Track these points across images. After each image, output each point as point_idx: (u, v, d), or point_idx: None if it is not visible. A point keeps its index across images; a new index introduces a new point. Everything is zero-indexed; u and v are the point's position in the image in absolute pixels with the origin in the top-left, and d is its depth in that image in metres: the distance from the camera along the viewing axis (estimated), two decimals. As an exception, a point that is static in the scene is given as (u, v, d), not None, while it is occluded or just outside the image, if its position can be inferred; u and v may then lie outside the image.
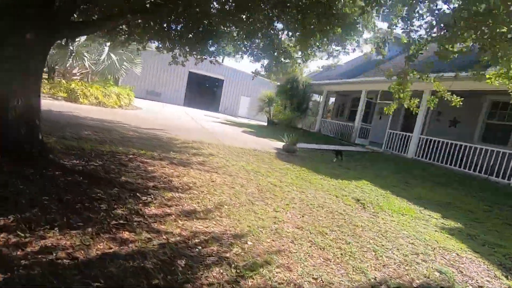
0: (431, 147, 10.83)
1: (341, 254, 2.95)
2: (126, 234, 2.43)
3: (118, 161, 4.57)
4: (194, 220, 3.02)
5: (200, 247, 2.49)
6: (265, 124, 21.11)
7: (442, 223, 4.71)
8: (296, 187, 5.23)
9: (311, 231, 3.36)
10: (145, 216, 2.83)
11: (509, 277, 3.16)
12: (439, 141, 10.62)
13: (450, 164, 10.04)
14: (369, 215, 4.43)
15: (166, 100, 26.56)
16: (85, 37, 11.90)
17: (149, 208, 3.04)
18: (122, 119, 9.46)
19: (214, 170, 5.21)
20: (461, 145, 9.97)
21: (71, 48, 11.71)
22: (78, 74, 13.44)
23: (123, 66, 14.17)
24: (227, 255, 2.47)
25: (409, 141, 11.53)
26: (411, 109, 5.35)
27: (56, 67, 13.14)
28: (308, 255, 2.79)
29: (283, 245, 2.89)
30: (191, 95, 32.55)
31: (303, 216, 3.83)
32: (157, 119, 11.78)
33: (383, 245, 3.37)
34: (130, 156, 4.97)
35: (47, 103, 9.67)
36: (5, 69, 3.30)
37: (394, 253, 3.21)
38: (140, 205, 3.07)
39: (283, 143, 10.04)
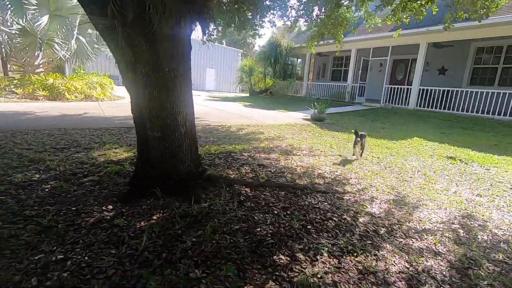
0: (428, 96, 11.77)
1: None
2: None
3: (232, 158, 4.09)
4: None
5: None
6: (247, 95, 20.51)
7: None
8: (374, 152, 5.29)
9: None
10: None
11: None
12: (435, 90, 11.56)
13: (448, 109, 11.13)
14: (483, 170, 4.73)
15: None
16: (47, 21, 9.75)
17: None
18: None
19: (302, 153, 4.95)
20: (452, 91, 11.08)
21: (39, 36, 9.41)
22: (41, 65, 11.03)
23: (94, 50, 12.03)
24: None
25: (409, 93, 12.30)
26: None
27: (14, 59, 10.57)
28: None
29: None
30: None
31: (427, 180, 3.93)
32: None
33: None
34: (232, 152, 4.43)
35: (31, 106, 7.91)
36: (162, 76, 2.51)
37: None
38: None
39: (309, 113, 9.95)
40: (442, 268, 1.99)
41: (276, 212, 2.53)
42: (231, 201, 2.64)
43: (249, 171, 3.59)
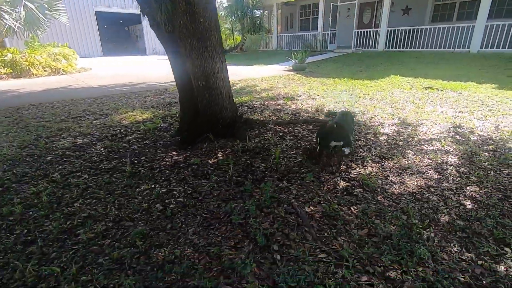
0: (395, 37, 12.42)
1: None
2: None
3: (247, 107, 4.38)
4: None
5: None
6: (217, 54, 19.86)
7: (494, 87, 6.13)
8: (353, 89, 5.86)
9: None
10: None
11: None
12: (401, 30, 12.19)
13: (414, 47, 11.95)
14: (457, 94, 5.47)
15: (82, 54, 21.86)
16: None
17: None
18: (127, 80, 7.92)
19: (303, 98, 5.36)
20: (416, 29, 11.83)
21: None
22: (-12, 39, 9.76)
23: (44, 16, 10.78)
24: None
25: (378, 36, 12.83)
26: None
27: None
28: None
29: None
30: (107, 41, 27.33)
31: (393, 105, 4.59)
32: (154, 74, 10.10)
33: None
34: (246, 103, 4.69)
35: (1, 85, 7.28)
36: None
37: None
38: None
39: (288, 64, 10.17)
40: (454, 159, 2.58)
41: (314, 140, 2.95)
42: (275, 136, 3.00)
43: (270, 114, 3.92)
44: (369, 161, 2.49)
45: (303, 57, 9.54)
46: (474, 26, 10.16)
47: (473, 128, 3.45)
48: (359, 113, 4.14)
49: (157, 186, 2.09)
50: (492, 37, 10.05)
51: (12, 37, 10.74)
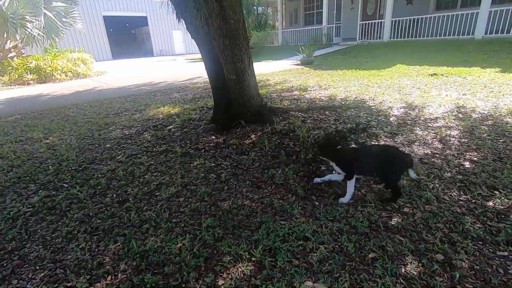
0: (399, 27, 12.64)
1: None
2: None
3: (266, 98, 4.79)
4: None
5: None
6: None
7: (497, 71, 6.42)
8: (362, 79, 6.21)
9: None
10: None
11: None
12: (406, 20, 12.41)
13: (419, 36, 12.16)
14: (461, 79, 5.80)
15: (94, 58, 22.54)
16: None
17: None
18: (146, 80, 8.41)
19: (315, 89, 5.75)
20: (420, 18, 12.04)
21: (11, 15, 8.76)
22: (12, 49, 10.36)
23: (62, 24, 11.35)
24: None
25: (382, 27, 13.07)
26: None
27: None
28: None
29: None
30: (117, 45, 28.08)
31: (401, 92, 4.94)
32: (168, 74, 10.59)
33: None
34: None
35: (32, 90, 7.85)
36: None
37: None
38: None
39: (295, 59, 10.52)
40: (456, 132, 2.96)
41: (332, 122, 3.36)
42: (297, 120, 3.42)
43: (289, 103, 4.34)
44: (382, 136, 2.89)
45: (311, 51, 9.89)
46: (478, 13, 10.34)
47: (475, 108, 3.80)
48: (369, 100, 4.53)
49: (206, 161, 2.54)
50: (496, 22, 10.23)
51: (32, 45, 11.37)
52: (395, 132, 3.01)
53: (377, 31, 13.44)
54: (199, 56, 21.51)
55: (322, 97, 4.79)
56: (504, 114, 3.46)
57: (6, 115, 4.73)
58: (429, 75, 6.46)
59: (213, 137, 3.07)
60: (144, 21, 25.74)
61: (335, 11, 14.62)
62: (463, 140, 2.77)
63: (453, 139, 2.81)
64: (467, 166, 2.25)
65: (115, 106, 5.03)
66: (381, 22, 13.21)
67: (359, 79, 6.51)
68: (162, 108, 4.63)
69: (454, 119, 3.40)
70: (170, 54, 26.12)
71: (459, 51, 9.50)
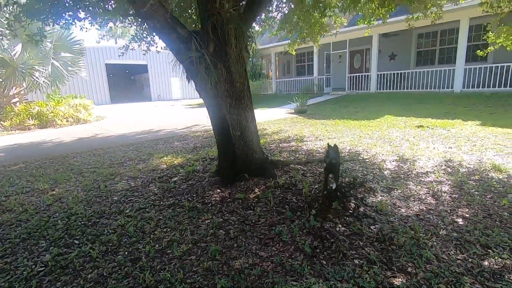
0: (384, 80, 13.69)
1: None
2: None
3: (264, 149, 5.02)
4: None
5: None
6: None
7: (477, 124, 6.93)
8: (354, 130, 6.61)
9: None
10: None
11: None
12: (390, 73, 13.49)
13: (402, 88, 13.13)
14: (445, 131, 6.23)
15: (94, 102, 23.14)
16: (21, 50, 9.65)
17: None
18: (146, 128, 8.68)
19: (311, 139, 6.08)
20: (402, 73, 13.12)
21: (21, 66, 9.24)
22: (16, 95, 10.70)
23: (67, 72, 11.93)
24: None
25: (369, 79, 14.12)
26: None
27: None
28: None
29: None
30: (115, 89, 29.06)
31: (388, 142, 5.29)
32: (167, 121, 10.92)
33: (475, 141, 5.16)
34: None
35: (34, 136, 7.98)
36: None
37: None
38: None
39: (289, 108, 11.11)
40: (447, 188, 3.17)
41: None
42: (297, 174, 3.60)
43: (288, 155, 4.57)
44: (379, 191, 3.07)
45: (304, 101, 10.52)
46: (454, 69, 11.39)
47: (461, 161, 4.09)
48: (362, 151, 4.81)
49: (214, 217, 2.64)
50: (471, 78, 11.23)
51: (35, 91, 11.78)
52: (390, 186, 3.21)
53: (365, 83, 14.47)
54: (196, 101, 22.42)
55: (318, 149, 5.06)
56: (488, 169, 3.72)
57: (10, 163, 4.80)
58: (416, 126, 6.91)
59: (219, 190, 3.20)
60: (144, 69, 27.10)
61: (325, 64, 15.81)
62: (454, 195, 2.97)
63: (445, 194, 3.00)
64: (460, 223, 2.41)
65: (118, 155, 5.17)
66: (367, 75, 14.29)
67: (351, 129, 6.91)
68: (165, 158, 4.79)
69: (443, 173, 3.64)
70: (168, 99, 27.05)
71: (440, 103, 10.25)
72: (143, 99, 27.91)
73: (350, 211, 2.63)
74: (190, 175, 3.79)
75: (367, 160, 4.26)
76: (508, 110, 8.23)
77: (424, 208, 2.70)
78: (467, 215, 2.53)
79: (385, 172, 3.73)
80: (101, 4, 4.39)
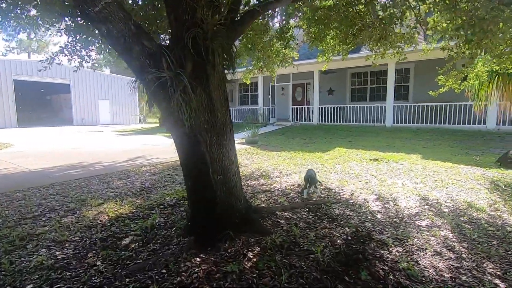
0: (325, 113, 14.51)
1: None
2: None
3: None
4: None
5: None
6: (157, 125, 19.61)
7: (420, 157, 7.45)
8: (313, 163, 6.51)
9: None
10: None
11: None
12: (329, 107, 14.38)
13: (341, 121, 14.05)
14: (400, 165, 6.45)
15: (-8, 125, 18.91)
16: None
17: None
18: (72, 160, 6.91)
19: (276, 175, 5.63)
20: (340, 107, 14.18)
21: None
22: None
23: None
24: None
25: (311, 112, 14.77)
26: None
27: None
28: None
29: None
30: (25, 111, 24.52)
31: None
32: (100, 151, 9.00)
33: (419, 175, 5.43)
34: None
35: None
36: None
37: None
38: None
39: (240, 138, 10.62)
40: (450, 234, 2.93)
41: (327, 224, 3.01)
42: (288, 224, 2.95)
43: (266, 198, 3.91)
44: (391, 244, 2.63)
45: (256, 131, 10.16)
46: (385, 106, 12.66)
47: (438, 200, 4.03)
48: (337, 189, 4.47)
49: (203, 309, 1.77)
50: (399, 114, 12.62)
51: None
52: (399, 238, 2.81)
53: (307, 114, 15.06)
54: (130, 127, 20.20)
55: (290, 187, 4.54)
56: (466, 207, 3.70)
57: None
58: (370, 160, 7.06)
59: (197, 259, 2.31)
60: (66, 88, 23.70)
61: (270, 95, 16.07)
62: (464, 244, 2.72)
63: (454, 243, 2.73)
64: (502, 286, 2.08)
65: (33, 202, 3.74)
66: (310, 107, 14.95)
67: (311, 162, 6.67)
68: (104, 206, 3.61)
69: (432, 215, 3.46)
70: (94, 124, 23.95)
71: (378, 136, 11.09)
72: (62, 123, 24.13)
73: (381, 280, 2.08)
74: (149, 234, 2.79)
75: (351, 202, 3.89)
76: (436, 145, 9.26)
77: (451, 266, 2.33)
78: (499, 273, 2.24)
79: (379, 216, 3.37)
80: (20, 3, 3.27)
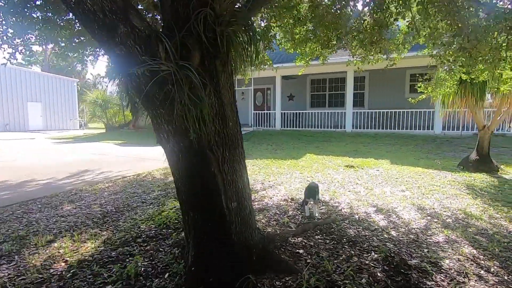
0: (287, 118, 14.50)
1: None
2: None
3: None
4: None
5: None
6: (103, 131, 17.54)
7: (389, 163, 7.60)
8: (290, 171, 6.25)
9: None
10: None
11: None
12: (291, 112, 14.41)
13: (302, 127, 14.17)
14: (377, 172, 6.44)
15: None
16: None
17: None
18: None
19: (262, 186, 5.16)
20: (301, 112, 14.35)
21: None
22: None
23: None
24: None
25: (273, 117, 14.60)
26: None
27: None
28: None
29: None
30: None
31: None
32: (46, 165, 7.26)
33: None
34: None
35: None
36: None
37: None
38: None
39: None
40: (473, 251, 2.75)
41: (349, 251, 2.59)
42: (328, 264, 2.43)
43: (265, 219, 3.35)
44: (431, 271, 2.31)
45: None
46: (345, 112, 13.07)
47: (433, 209, 3.94)
48: (331, 201, 4.14)
49: None
50: (358, 120, 13.13)
51: None
52: (432, 261, 2.51)
53: (269, 120, 14.85)
54: (69, 134, 17.63)
55: (285, 202, 4.07)
56: (463, 216, 3.65)
57: None
58: (346, 166, 6.98)
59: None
60: (-18, 88, 19.88)
61: (231, 100, 15.49)
62: (496, 262, 2.53)
63: (485, 261, 2.54)
64: None
65: None
66: (272, 113, 14.76)
67: (289, 171, 6.31)
68: (58, 244, 2.67)
69: (441, 227, 3.29)
70: (23, 130, 20.54)
71: (342, 142, 11.29)
72: (-22, 129, 20.21)
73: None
74: (132, 286, 2.02)
75: (356, 217, 3.56)
76: (397, 149, 9.71)
77: (505, 293, 2.08)
78: (553, 297, 2.05)
79: (394, 234, 3.08)
80: None
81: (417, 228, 3.28)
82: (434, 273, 2.30)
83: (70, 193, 4.46)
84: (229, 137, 2.06)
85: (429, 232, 3.17)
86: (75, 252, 2.53)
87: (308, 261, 2.37)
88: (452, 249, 2.75)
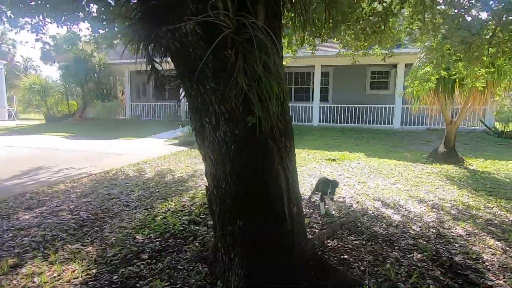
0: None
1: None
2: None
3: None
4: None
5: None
6: (42, 122, 15.21)
7: (364, 155, 7.76)
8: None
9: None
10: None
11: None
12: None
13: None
14: (359, 165, 6.48)
15: None
16: None
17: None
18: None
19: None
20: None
21: None
22: None
23: None
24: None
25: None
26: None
27: None
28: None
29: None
30: None
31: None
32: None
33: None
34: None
35: None
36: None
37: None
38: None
39: (166, 136, 9.07)
40: (497, 243, 2.74)
41: (387, 248, 2.37)
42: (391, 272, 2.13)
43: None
44: (482, 269, 2.19)
45: (191, 132, 8.77)
46: (313, 106, 13.21)
47: (432, 200, 3.99)
48: (338, 197, 3.95)
49: None
50: (324, 114, 13.39)
51: None
52: (472, 257, 2.40)
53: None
54: (11, 123, 14.74)
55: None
56: (464, 207, 3.74)
57: None
58: (327, 160, 6.93)
59: None
60: None
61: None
62: (524, 254, 2.54)
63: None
64: None
65: None
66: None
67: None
68: (27, 269, 1.95)
69: (453, 220, 3.29)
70: None
71: (312, 135, 11.35)
72: None
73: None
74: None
75: (371, 213, 3.39)
76: (365, 143, 10.05)
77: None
78: None
79: (416, 229, 2.96)
80: None
81: (432, 221, 3.22)
82: (485, 271, 2.19)
83: (22, 197, 3.52)
84: (288, 124, 1.63)
85: (445, 225, 3.13)
86: (58, 280, 1.86)
87: (362, 268, 2.07)
88: (479, 243, 2.71)
